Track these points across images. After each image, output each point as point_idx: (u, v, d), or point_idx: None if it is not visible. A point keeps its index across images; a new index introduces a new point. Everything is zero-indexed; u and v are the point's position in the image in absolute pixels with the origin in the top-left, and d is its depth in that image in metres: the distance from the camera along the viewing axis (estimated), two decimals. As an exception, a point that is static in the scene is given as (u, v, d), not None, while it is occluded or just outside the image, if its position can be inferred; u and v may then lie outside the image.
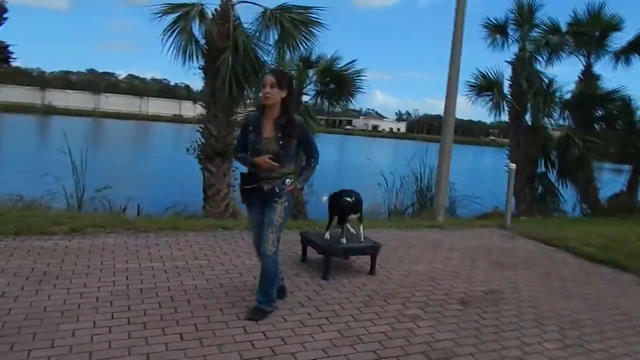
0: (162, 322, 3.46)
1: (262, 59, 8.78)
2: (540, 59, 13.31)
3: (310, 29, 8.72)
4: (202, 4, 8.54)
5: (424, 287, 4.81)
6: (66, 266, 4.41)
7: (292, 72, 10.83)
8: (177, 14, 8.36)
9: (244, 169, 3.83)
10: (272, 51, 8.91)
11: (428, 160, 11.93)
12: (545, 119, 13.04)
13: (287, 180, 3.67)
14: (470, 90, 12.91)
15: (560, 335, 3.96)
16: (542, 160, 13.06)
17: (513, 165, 8.55)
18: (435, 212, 9.03)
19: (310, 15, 8.70)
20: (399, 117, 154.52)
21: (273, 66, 9.61)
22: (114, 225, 5.85)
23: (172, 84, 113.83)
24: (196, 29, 8.67)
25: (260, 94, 3.69)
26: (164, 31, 8.35)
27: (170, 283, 4.23)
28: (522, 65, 12.64)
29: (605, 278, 5.81)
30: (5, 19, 7.31)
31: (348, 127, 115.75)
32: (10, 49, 7.39)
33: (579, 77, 14.00)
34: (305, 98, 11.05)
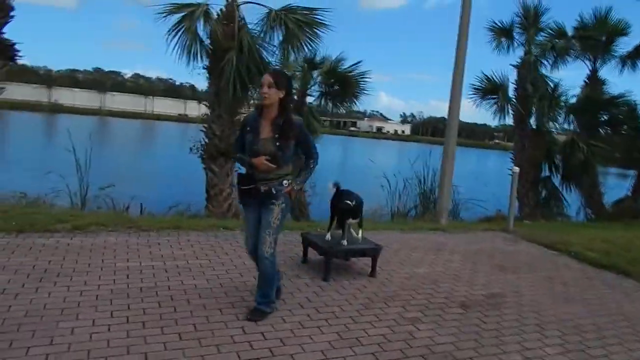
0: (161, 321, 3.46)
1: (266, 60, 8.78)
2: (545, 62, 13.29)
3: (315, 30, 8.73)
4: (207, 4, 8.56)
5: (424, 290, 4.79)
6: (67, 264, 4.41)
7: (297, 73, 10.86)
8: (182, 14, 8.38)
9: (244, 170, 3.82)
10: (276, 52, 8.92)
11: (432, 162, 11.91)
12: (550, 123, 13.03)
13: (285, 181, 3.64)
14: (475, 93, 12.90)
15: (562, 340, 3.94)
16: (547, 164, 13.02)
17: (516, 169, 8.51)
18: (438, 215, 9.01)
19: (315, 16, 8.71)
20: (404, 119, 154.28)
21: (277, 67, 9.63)
22: (116, 224, 5.86)
23: (177, 83, 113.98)
24: (201, 29, 8.70)
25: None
26: (168, 31, 8.38)
27: (170, 282, 4.23)
28: (528, 69, 12.61)
29: (608, 283, 5.78)
30: (12, 17, 7.32)
31: (352, 128, 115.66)
32: (17, 47, 7.38)
33: (585, 81, 13.97)
34: (309, 99, 11.09)
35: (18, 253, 4.58)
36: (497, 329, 4.04)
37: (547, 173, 13.12)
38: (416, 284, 4.95)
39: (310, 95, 11.08)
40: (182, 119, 77.77)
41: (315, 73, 11.05)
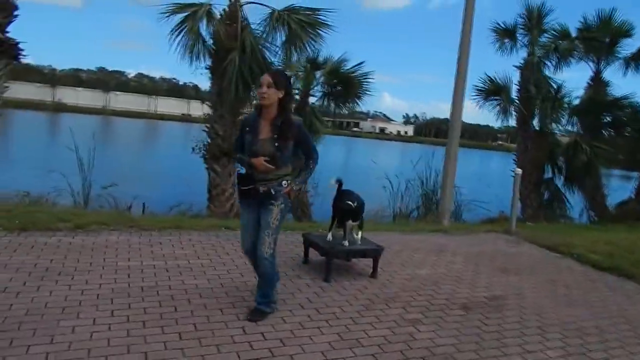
0: (162, 320, 3.46)
1: (269, 60, 8.80)
2: (549, 64, 13.26)
3: (318, 30, 8.74)
4: (210, 4, 8.60)
5: (426, 292, 4.78)
6: (69, 263, 4.42)
7: (300, 73, 10.86)
8: (185, 14, 8.41)
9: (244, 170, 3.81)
10: (279, 52, 8.94)
11: (434, 163, 11.88)
12: (553, 125, 13.00)
13: (284, 182, 3.62)
14: (478, 95, 12.89)
15: (563, 343, 3.92)
16: (549, 166, 12.99)
17: (519, 170, 8.50)
18: (440, 216, 9.00)
19: (317, 16, 8.72)
20: (407, 120, 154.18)
21: (280, 67, 9.64)
22: (118, 223, 5.87)
23: (181, 83, 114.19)
24: (204, 29, 8.72)
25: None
26: (171, 31, 8.42)
27: (171, 282, 4.23)
28: (531, 70, 12.59)
29: (611, 286, 5.76)
30: (16, 16, 7.33)
31: (355, 129, 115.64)
32: (20, 46, 7.38)
33: (588, 82, 13.92)
34: (311, 99, 11.09)
35: (20, 252, 4.59)
36: (499, 331, 4.02)
37: (550, 175, 13.10)
38: (417, 286, 4.94)
39: (313, 96, 11.09)
40: (186, 118, 77.85)
41: (317, 73, 11.05)
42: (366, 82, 10.90)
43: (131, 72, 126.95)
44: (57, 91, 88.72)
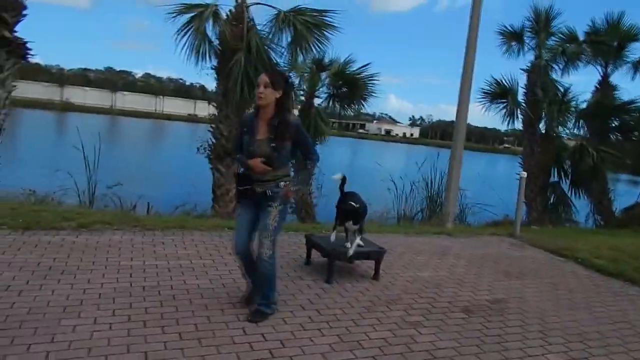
0: (163, 320, 3.47)
1: (274, 61, 8.82)
2: (556, 67, 13.20)
3: (324, 31, 8.74)
4: (216, 5, 8.63)
5: (427, 294, 4.77)
6: (72, 262, 4.44)
7: (305, 74, 10.87)
8: (192, 14, 8.44)
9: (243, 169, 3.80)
10: (284, 53, 8.95)
11: (439, 165, 11.86)
12: (560, 128, 12.94)
13: (282, 183, 3.60)
14: (484, 97, 12.83)
15: (565, 348, 3.90)
16: (556, 170, 12.92)
17: (524, 174, 8.45)
18: (444, 219, 8.97)
19: (323, 18, 8.73)
20: (413, 122, 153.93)
21: (285, 68, 9.66)
22: (122, 223, 5.89)
23: (187, 83, 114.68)
24: (210, 30, 8.75)
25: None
26: (177, 31, 8.44)
27: (173, 282, 4.24)
28: (538, 74, 12.53)
29: (614, 291, 5.72)
30: (24, 15, 7.38)
31: (361, 130, 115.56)
32: (29, 45, 7.43)
33: (596, 86, 13.84)
34: (317, 101, 11.09)
35: (24, 250, 4.61)
36: (500, 334, 4.01)
37: (556, 178, 13.02)
38: (419, 288, 4.93)
39: (318, 97, 11.08)
40: (192, 119, 78.09)
41: (323, 75, 11.05)
42: (372, 83, 10.89)
43: (138, 72, 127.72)
44: (65, 91, 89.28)
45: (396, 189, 11.90)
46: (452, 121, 9.66)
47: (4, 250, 4.54)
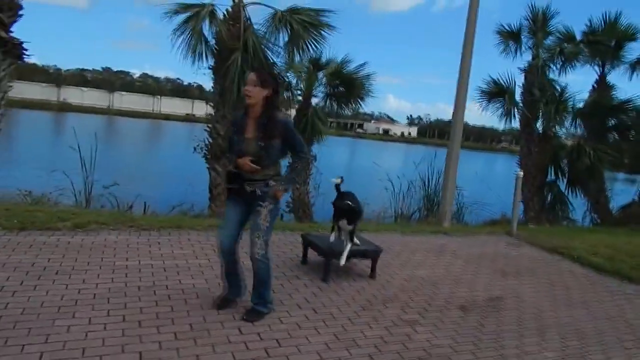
0: (158, 320, 3.45)
1: (271, 60, 8.81)
2: (553, 67, 13.18)
3: (320, 31, 8.74)
4: (212, 5, 8.62)
5: (424, 293, 4.77)
6: (66, 262, 4.42)
7: (302, 74, 10.86)
8: (188, 14, 8.42)
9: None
10: (281, 53, 8.94)
11: (436, 164, 11.86)
12: (557, 128, 12.95)
13: (271, 182, 3.57)
14: (482, 96, 12.84)
15: (561, 345, 3.91)
16: (553, 169, 12.92)
17: (520, 173, 8.47)
18: (442, 218, 8.97)
19: (320, 17, 8.72)
20: (411, 122, 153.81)
21: (283, 67, 9.65)
22: (117, 223, 5.86)
23: (185, 83, 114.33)
24: (206, 29, 8.73)
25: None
26: (174, 30, 8.43)
27: (168, 282, 4.22)
28: (535, 73, 12.53)
29: (611, 289, 5.73)
30: (20, 15, 7.35)
31: (359, 130, 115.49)
32: (25, 45, 7.39)
33: (593, 86, 13.85)
34: (314, 100, 11.08)
35: (18, 251, 4.59)
36: (496, 332, 4.01)
37: (553, 177, 13.03)
38: (416, 287, 4.92)
39: (315, 97, 11.07)
40: (189, 118, 78.01)
41: (320, 74, 11.03)
42: (369, 83, 10.89)
43: (136, 72, 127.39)
44: (62, 91, 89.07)
45: (394, 188, 11.89)
46: (450, 120, 9.66)
47: (-1, 251, 4.52)
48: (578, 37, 13.49)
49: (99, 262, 4.52)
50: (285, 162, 3.82)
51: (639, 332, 4.40)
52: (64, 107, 75.01)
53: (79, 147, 9.41)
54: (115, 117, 71.87)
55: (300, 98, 10.96)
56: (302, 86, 10.94)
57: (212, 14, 8.68)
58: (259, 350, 3.20)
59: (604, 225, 12.25)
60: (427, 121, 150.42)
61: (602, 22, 13.36)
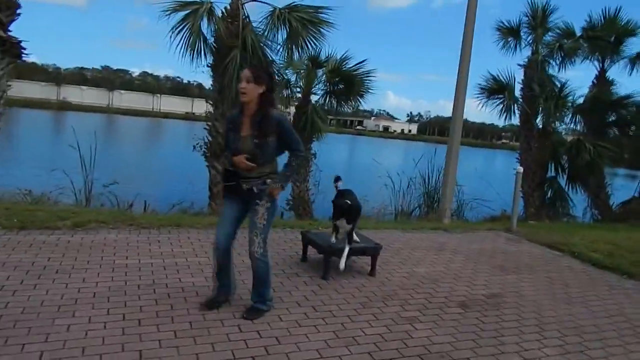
0: (158, 318, 3.46)
1: (270, 58, 8.80)
2: (553, 62, 13.16)
3: (319, 28, 8.72)
4: (211, 2, 8.58)
5: (424, 290, 4.77)
6: (66, 261, 4.43)
7: (302, 71, 10.84)
8: (186, 12, 8.40)
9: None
10: (280, 50, 8.93)
11: (437, 161, 11.85)
12: (557, 123, 12.95)
13: (268, 180, 3.55)
14: (481, 93, 12.84)
15: (561, 341, 3.90)
16: (553, 165, 12.92)
17: (520, 169, 8.47)
18: (441, 215, 8.97)
19: (319, 14, 8.70)
20: (411, 119, 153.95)
21: (282, 65, 9.64)
22: (117, 221, 5.87)
23: (184, 81, 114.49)
24: (205, 27, 8.71)
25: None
26: (172, 28, 8.40)
27: (168, 280, 4.23)
28: (535, 69, 12.52)
29: (611, 284, 5.72)
30: (18, 14, 7.34)
31: (359, 127, 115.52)
32: (23, 44, 7.39)
33: (593, 81, 13.85)
34: (314, 98, 11.06)
35: (18, 250, 4.60)
36: (496, 329, 4.01)
37: (553, 173, 13.03)
38: (416, 284, 4.92)
39: (315, 94, 11.05)
40: (189, 117, 78.04)
41: (320, 71, 11.01)
42: (368, 80, 10.85)
43: (135, 71, 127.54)
44: (62, 90, 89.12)
45: (394, 186, 11.88)
46: (450, 117, 9.65)
47: (-1, 250, 4.53)
48: (578, 32, 13.47)
49: (98, 260, 4.53)
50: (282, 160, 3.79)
51: (638, 327, 4.40)
52: (64, 106, 75.07)
53: (78, 146, 9.41)
54: (115, 116, 71.90)
55: (299, 95, 10.94)
56: (301, 84, 10.92)
57: (211, 12, 8.66)
58: (259, 348, 3.21)
59: (604, 221, 12.25)
60: (427, 118, 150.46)
61: (602, 18, 13.36)
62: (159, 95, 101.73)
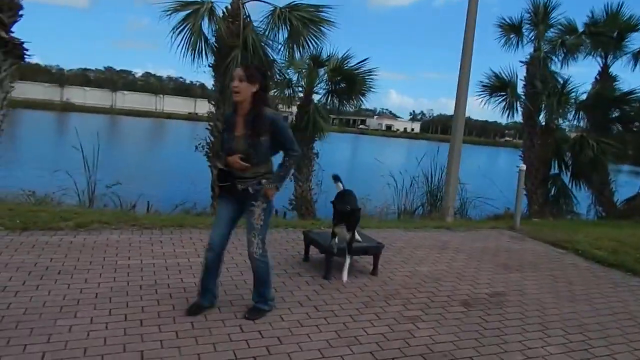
0: (159, 319, 3.46)
1: (271, 57, 8.79)
2: (555, 59, 13.10)
3: (320, 27, 8.71)
4: (211, 2, 8.58)
5: (426, 289, 4.76)
6: (69, 262, 4.44)
7: (303, 70, 10.82)
8: (187, 12, 8.40)
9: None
10: (281, 49, 8.92)
11: (439, 160, 11.82)
12: (560, 120, 12.89)
13: (263, 180, 3.51)
14: (483, 91, 12.77)
15: (565, 340, 3.88)
16: (556, 162, 12.87)
17: (523, 166, 8.43)
18: (444, 213, 8.95)
19: (319, 13, 8.70)
20: (413, 117, 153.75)
21: (283, 64, 9.63)
22: (119, 222, 5.88)
23: (187, 82, 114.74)
24: (206, 27, 8.72)
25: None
26: (173, 28, 8.41)
27: (170, 280, 4.23)
28: (537, 66, 12.45)
29: (615, 282, 5.69)
30: (21, 16, 7.36)
31: (361, 126, 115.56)
32: (26, 45, 7.41)
33: (596, 77, 13.76)
34: (315, 97, 11.04)
35: (21, 250, 4.61)
36: (499, 327, 3.99)
37: (557, 170, 12.97)
38: (418, 283, 4.91)
39: (317, 93, 11.03)
40: (192, 117, 78.14)
41: (321, 71, 10.99)
42: (370, 79, 10.81)
43: (138, 72, 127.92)
44: (65, 91, 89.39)
45: (396, 184, 11.86)
46: (453, 115, 9.61)
47: (1, 251, 4.54)
48: (580, 28, 13.40)
49: (101, 261, 4.53)
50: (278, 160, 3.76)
51: (642, 325, 4.37)
52: (67, 107, 75.32)
53: (81, 147, 9.44)
54: (118, 117, 72.05)
55: (301, 95, 10.92)
56: (303, 83, 10.90)
57: (212, 12, 8.66)
58: (261, 348, 3.20)
59: (608, 219, 12.19)
60: (429, 116, 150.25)
61: (604, 13, 13.28)
62: (161, 95, 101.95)
